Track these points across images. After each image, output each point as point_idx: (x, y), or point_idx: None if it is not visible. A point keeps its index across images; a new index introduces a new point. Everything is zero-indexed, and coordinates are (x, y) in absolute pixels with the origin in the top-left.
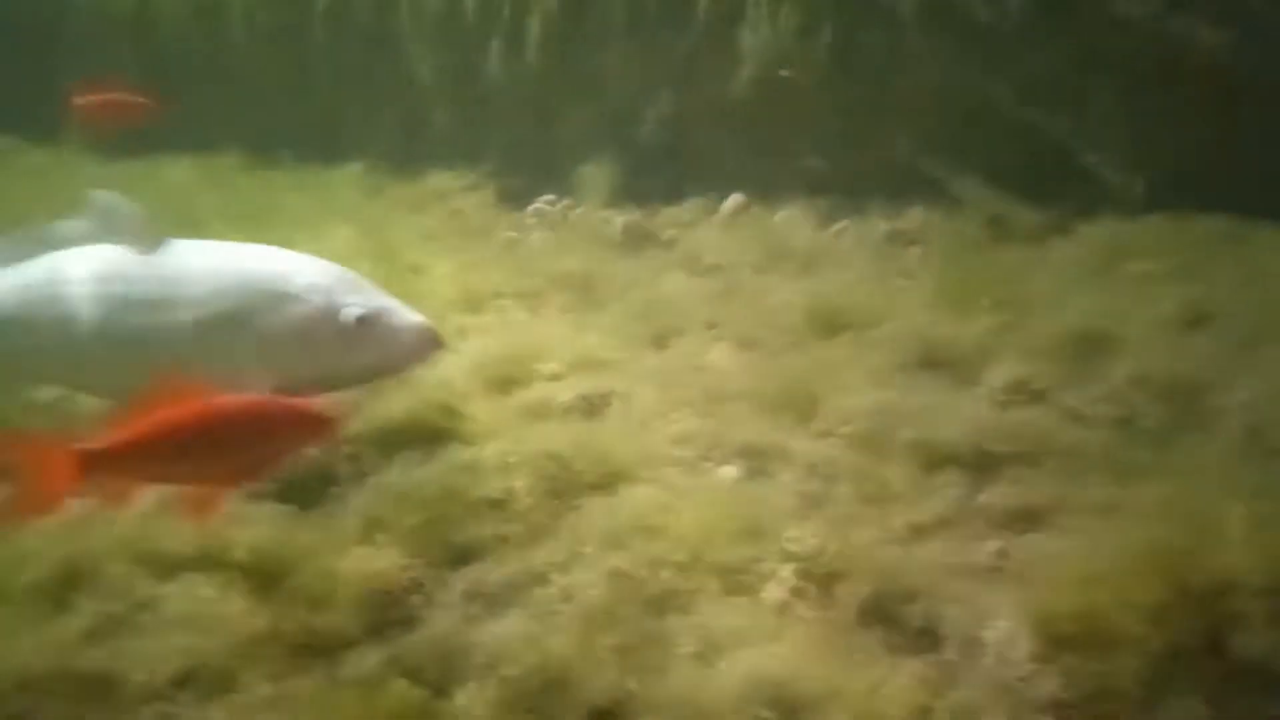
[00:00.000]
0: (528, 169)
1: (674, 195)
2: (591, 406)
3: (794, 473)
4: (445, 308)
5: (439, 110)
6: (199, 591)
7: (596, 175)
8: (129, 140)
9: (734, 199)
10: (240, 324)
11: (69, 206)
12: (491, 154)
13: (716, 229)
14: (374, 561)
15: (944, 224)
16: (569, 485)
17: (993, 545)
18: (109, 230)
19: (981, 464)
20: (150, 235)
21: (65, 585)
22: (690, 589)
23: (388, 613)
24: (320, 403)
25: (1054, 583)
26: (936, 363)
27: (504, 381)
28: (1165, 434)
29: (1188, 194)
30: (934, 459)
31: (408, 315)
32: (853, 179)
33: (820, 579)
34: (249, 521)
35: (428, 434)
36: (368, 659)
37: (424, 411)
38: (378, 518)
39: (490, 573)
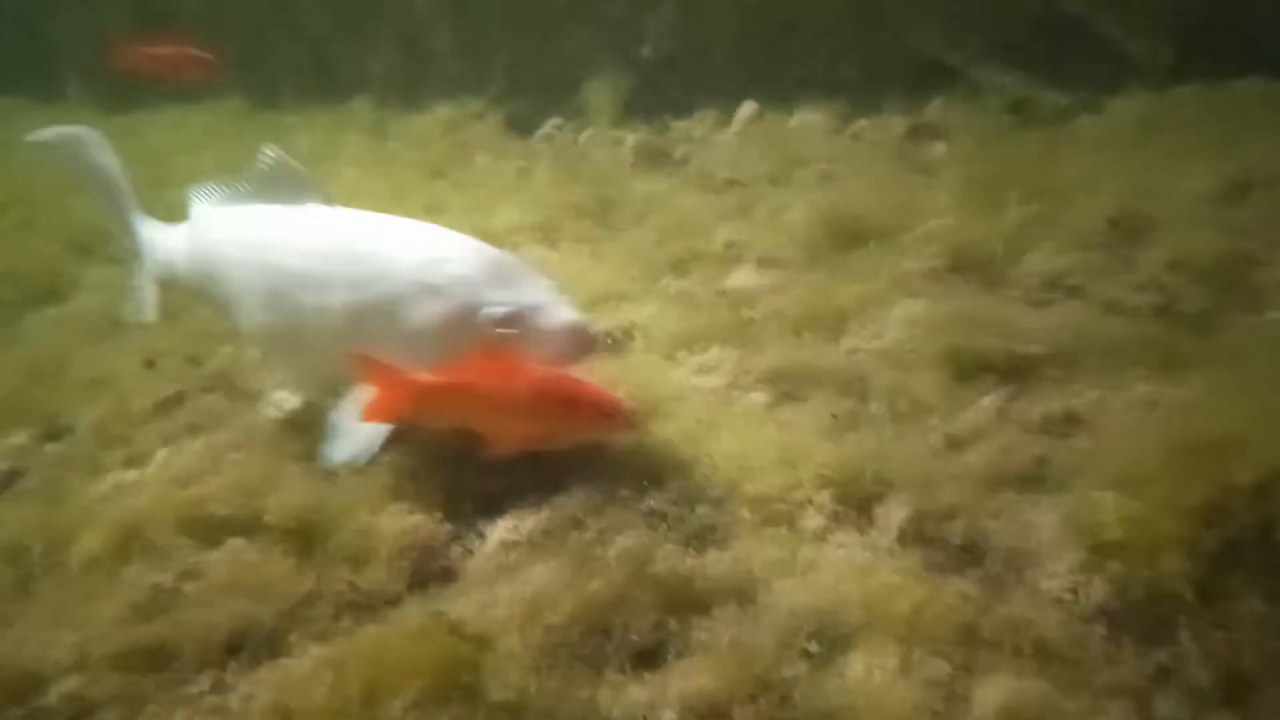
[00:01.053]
0: (533, 93)
1: (685, 108)
2: (614, 341)
3: (825, 394)
4: None
5: (438, 37)
6: (243, 556)
7: (603, 94)
8: (134, 91)
9: (746, 107)
10: (385, 313)
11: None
12: (495, 79)
13: (730, 141)
14: (410, 517)
15: (965, 114)
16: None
17: (1033, 452)
18: (278, 190)
19: (1018, 368)
20: (317, 198)
21: (116, 556)
22: (727, 523)
23: (428, 566)
24: (627, 400)
25: (1097, 488)
26: (966, 265)
27: None
28: (1208, 319)
29: (1219, 57)
30: (968, 368)
31: (557, 314)
32: (867, 75)
33: (858, 502)
34: (284, 482)
35: None
36: (412, 614)
37: None
38: (410, 470)
39: (525, 520)
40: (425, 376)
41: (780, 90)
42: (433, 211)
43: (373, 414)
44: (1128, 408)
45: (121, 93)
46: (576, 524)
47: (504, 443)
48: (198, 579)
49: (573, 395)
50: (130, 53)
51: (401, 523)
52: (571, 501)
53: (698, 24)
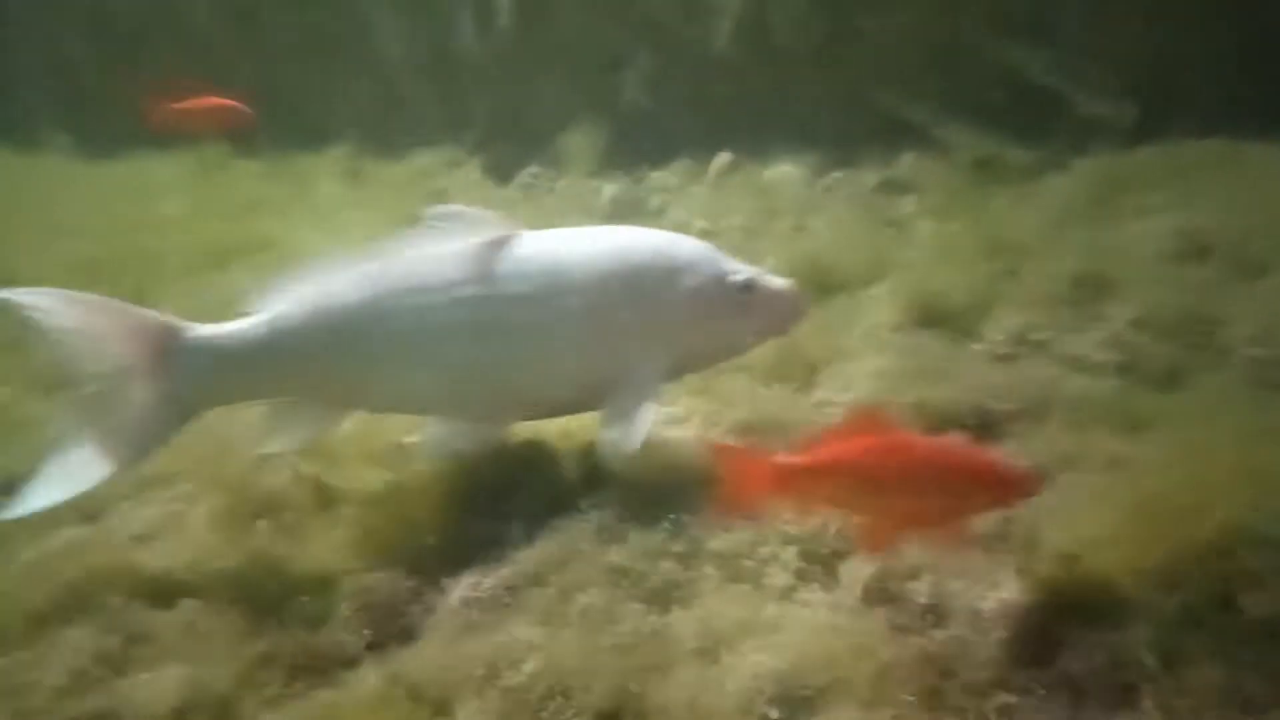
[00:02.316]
0: (512, 141)
1: (661, 157)
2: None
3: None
4: None
5: (417, 85)
6: (196, 618)
7: (581, 143)
8: (110, 139)
9: (722, 157)
10: (633, 303)
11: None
12: (474, 127)
13: (706, 191)
14: (371, 573)
15: (936, 170)
16: (562, 479)
17: (999, 511)
18: (460, 235)
19: (985, 423)
20: (508, 229)
21: (61, 617)
22: (692, 579)
23: (388, 625)
24: (1021, 461)
25: (1060, 548)
26: (934, 319)
27: None
28: (1171, 376)
29: (1181, 119)
30: (936, 422)
31: (776, 281)
32: (841, 129)
33: (823, 560)
34: (247, 539)
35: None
36: (369, 677)
37: (405, 419)
38: (374, 524)
39: (488, 576)
40: (791, 457)
41: (756, 142)
42: None
43: (732, 504)
44: (1091, 466)
45: (97, 135)
46: (538, 580)
47: (886, 526)
48: (147, 643)
49: (971, 464)
50: (163, 108)
51: (362, 580)
52: (534, 556)
53: (675, 75)
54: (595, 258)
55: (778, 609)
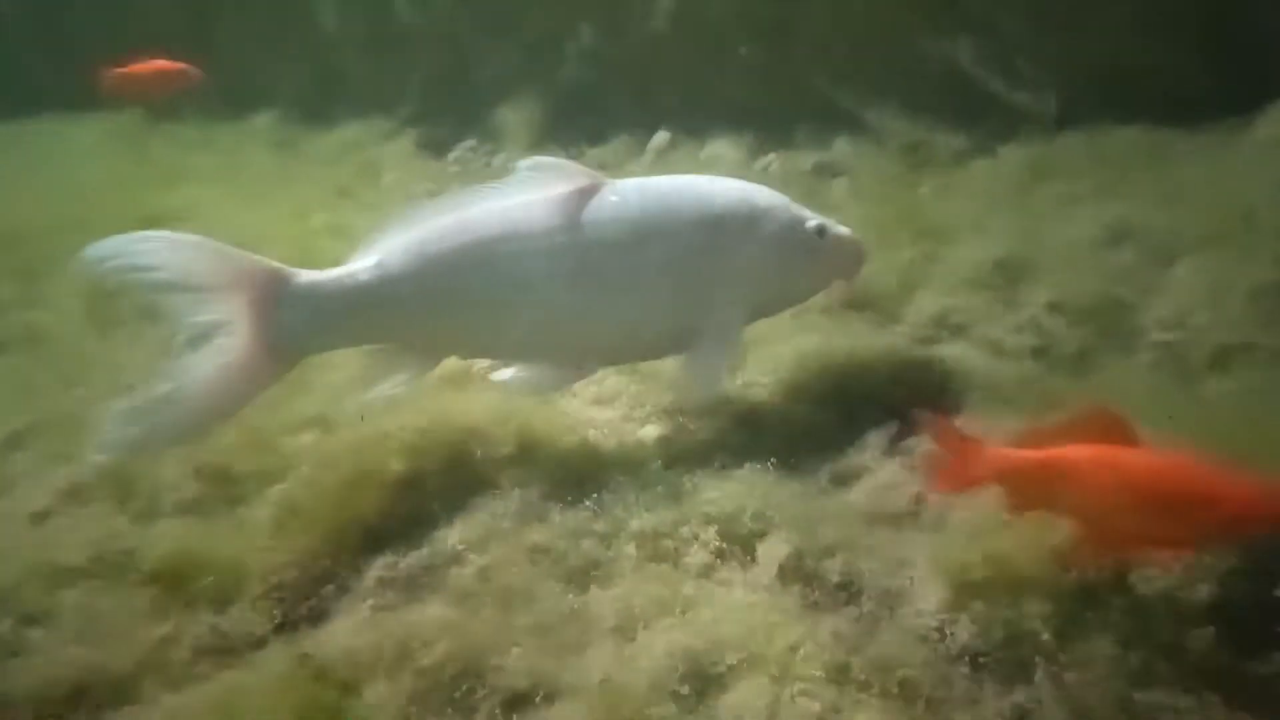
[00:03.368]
0: (447, 114)
1: (599, 135)
2: None
3: (718, 428)
4: None
5: (350, 55)
6: (97, 599)
7: (518, 118)
8: (25, 101)
9: (660, 136)
10: (717, 249)
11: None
12: (408, 100)
13: (643, 169)
14: (284, 553)
15: (868, 154)
16: (485, 458)
17: (912, 490)
18: (549, 184)
19: (903, 405)
20: (595, 179)
21: None
22: (612, 559)
23: (299, 606)
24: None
25: (966, 528)
26: (861, 302)
27: None
28: (1084, 360)
29: (1103, 108)
30: (858, 404)
31: (841, 229)
32: (778, 110)
33: (742, 539)
34: (153, 518)
35: (338, 414)
36: (276, 658)
37: (328, 392)
38: (289, 506)
39: (405, 557)
40: (1016, 451)
41: (694, 120)
42: (334, 232)
43: (945, 482)
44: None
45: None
46: (457, 560)
47: (1109, 542)
48: (43, 624)
49: (1220, 488)
50: (112, 75)
51: (274, 560)
52: (454, 536)
53: (615, 53)
54: (679, 206)
55: (695, 587)
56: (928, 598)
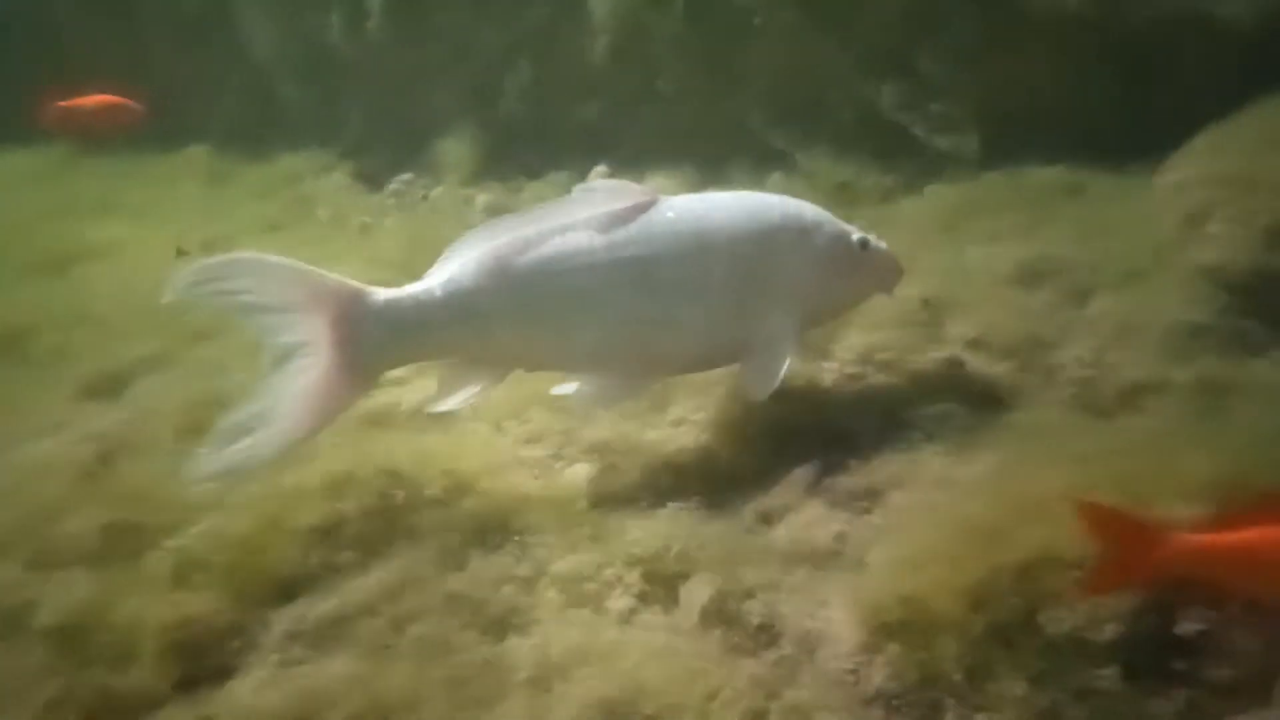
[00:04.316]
0: (385, 147)
1: (538, 169)
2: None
3: (647, 466)
4: None
5: (287, 86)
6: None
7: (457, 151)
8: None
9: (599, 170)
10: (770, 262)
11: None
12: (346, 132)
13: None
14: (187, 607)
15: (800, 191)
16: (406, 502)
17: (834, 529)
18: (608, 200)
19: (830, 442)
20: (651, 195)
21: None
22: (531, 605)
23: (201, 663)
24: None
25: (883, 567)
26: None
27: None
28: (1002, 398)
29: (1026, 149)
30: (785, 441)
31: (881, 243)
32: (715, 145)
33: (665, 580)
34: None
35: None
36: None
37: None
38: (193, 558)
39: (315, 608)
40: (1219, 537)
41: (632, 155)
42: None
43: (1105, 580)
44: (920, 486)
45: None
46: (370, 610)
47: None
48: None
49: None
50: (54, 109)
51: (176, 614)
52: (367, 585)
53: (554, 87)
54: (734, 220)
55: (617, 633)
56: (845, 639)
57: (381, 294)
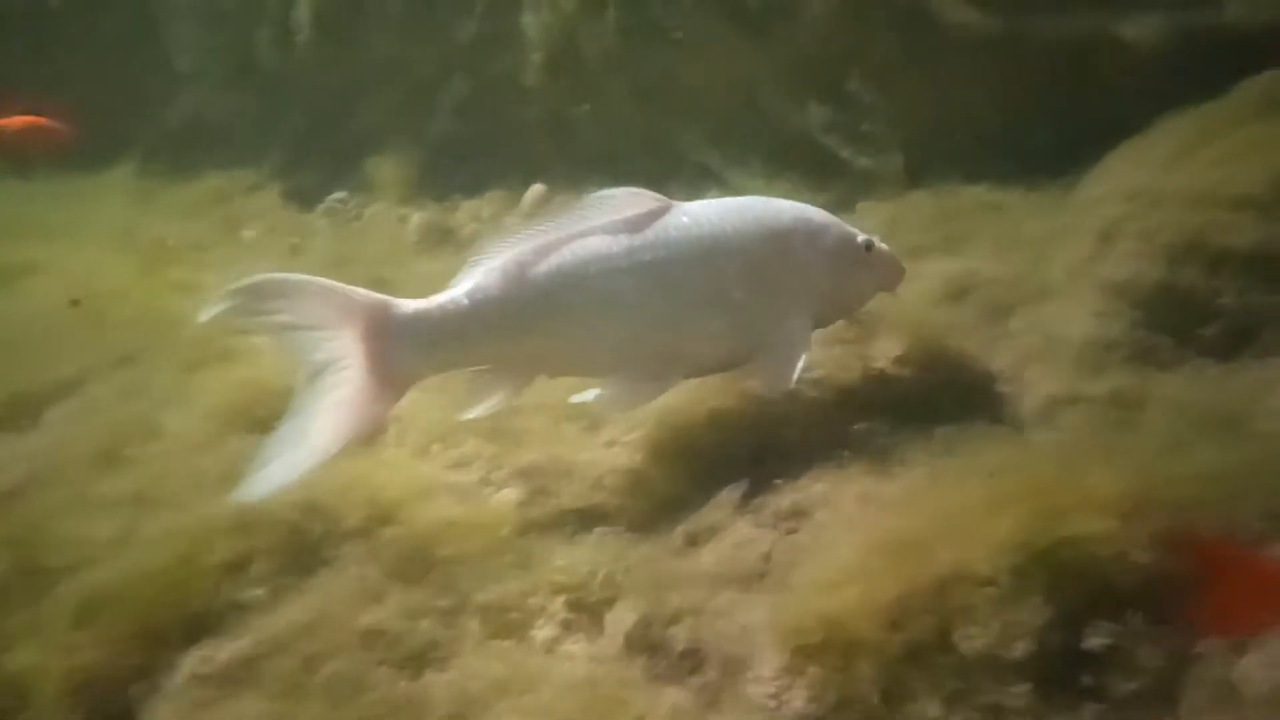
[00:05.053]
0: (316, 165)
1: (475, 187)
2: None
3: (577, 489)
4: (213, 330)
5: (216, 104)
6: None
7: (390, 169)
8: None
9: (535, 189)
10: (783, 263)
11: None
12: (276, 150)
13: (518, 222)
14: (88, 651)
15: None
16: (323, 534)
17: (760, 550)
18: (622, 208)
19: (759, 461)
20: (661, 201)
21: None
22: (452, 638)
23: (102, 709)
24: None
25: (806, 588)
26: None
27: (262, 419)
28: (927, 413)
29: (951, 166)
30: (716, 460)
31: (884, 244)
32: (651, 164)
33: (590, 608)
34: None
35: (161, 491)
36: None
37: (154, 465)
38: (97, 596)
39: (223, 648)
40: None
41: (569, 173)
42: (186, 289)
43: (1227, 622)
44: (845, 503)
45: None
46: (281, 649)
47: None
48: None
49: None
50: None
51: (77, 658)
52: (279, 622)
53: (489, 105)
54: (747, 224)
55: (539, 664)
56: (767, 663)
57: (410, 305)
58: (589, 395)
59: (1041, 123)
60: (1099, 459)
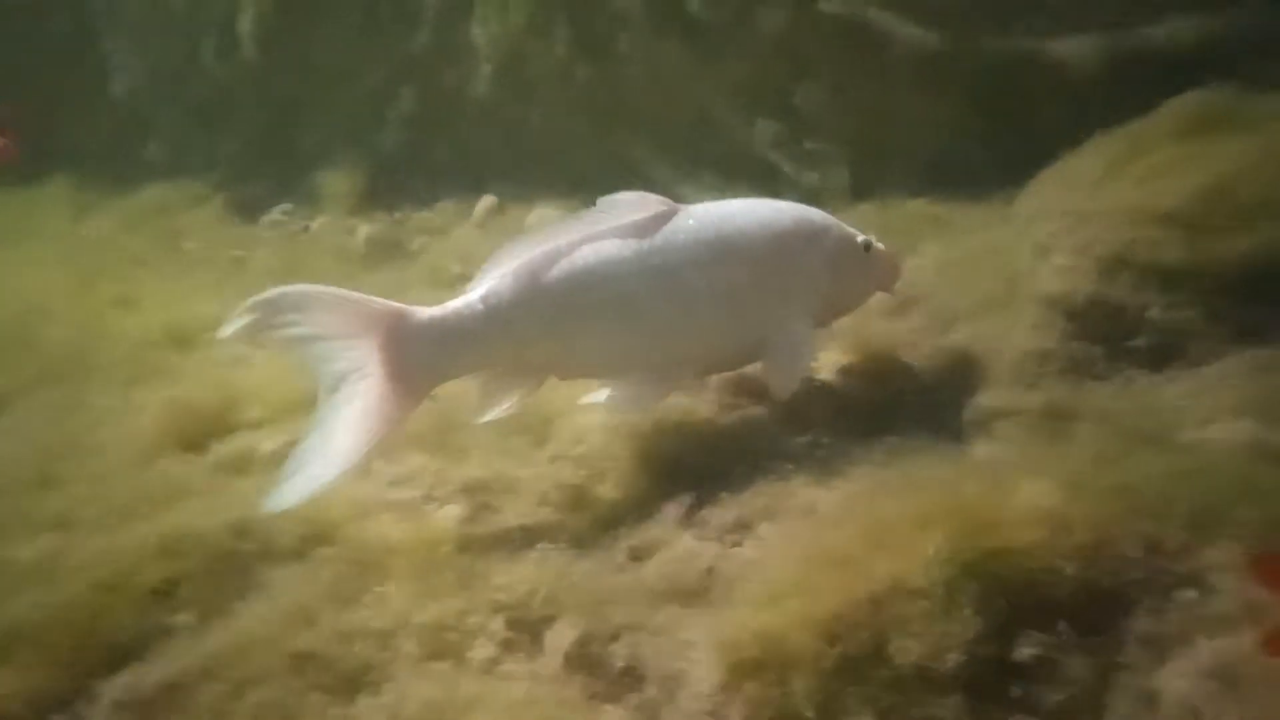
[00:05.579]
0: (262, 178)
1: (426, 200)
2: None
3: (521, 505)
4: (146, 349)
5: (159, 114)
6: None
7: (338, 181)
8: None
9: (486, 200)
10: (787, 264)
11: None
12: (220, 162)
13: (469, 233)
14: (4, 679)
15: None
16: (257, 555)
17: (703, 564)
18: (629, 211)
19: (704, 474)
20: (667, 204)
21: None
22: (387, 660)
23: None
24: None
25: (743, 603)
26: None
27: (199, 435)
28: (870, 426)
29: (896, 181)
30: (660, 474)
31: (881, 244)
32: (603, 177)
33: (530, 626)
34: None
35: (89, 513)
36: None
37: (83, 486)
38: (15, 624)
39: (147, 675)
40: None
41: (521, 185)
42: (124, 304)
43: None
44: (789, 516)
45: None
46: (207, 675)
47: None
48: None
49: None
50: None
51: None
52: (206, 647)
53: (439, 116)
54: (750, 226)
55: (476, 686)
56: (705, 680)
57: (425, 312)
58: (600, 396)
59: (984, 138)
60: (1030, 471)
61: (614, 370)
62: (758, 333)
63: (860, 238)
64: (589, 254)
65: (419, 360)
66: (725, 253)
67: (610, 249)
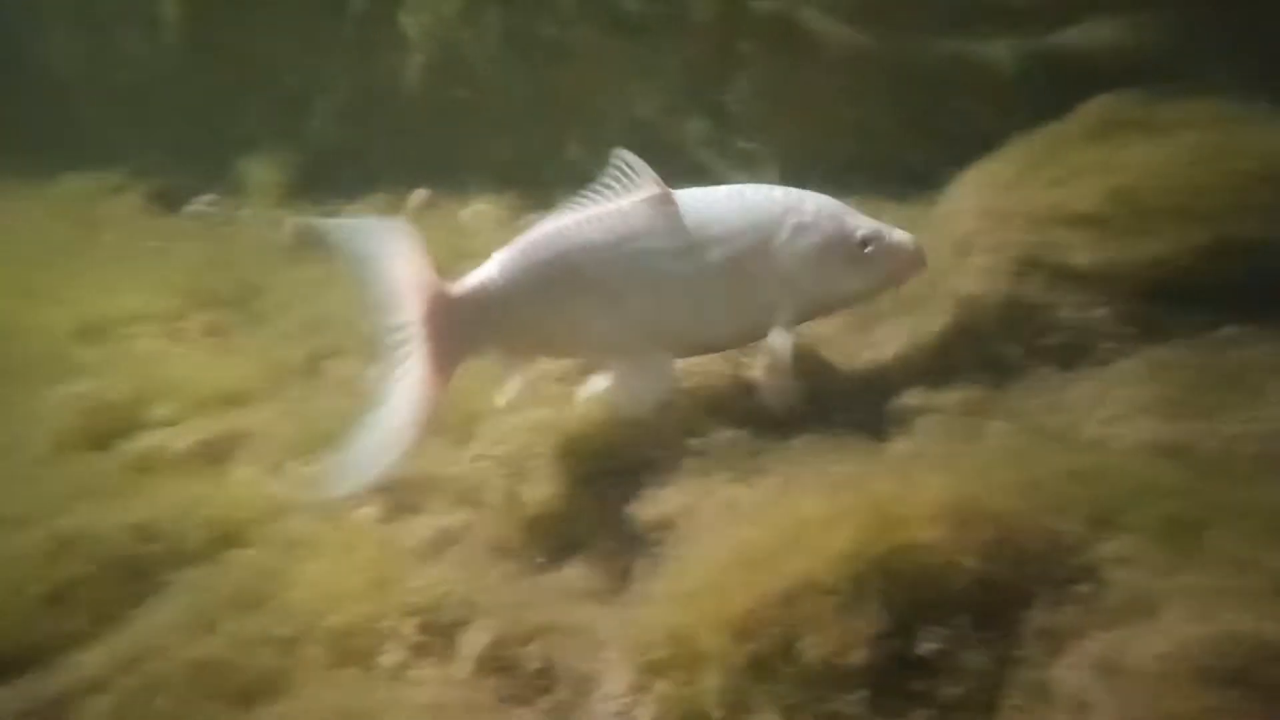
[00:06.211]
0: (186, 167)
1: (357, 192)
2: (214, 453)
3: (440, 505)
4: (59, 341)
5: (76, 100)
6: None
7: (264, 172)
8: None
9: (419, 194)
10: (768, 254)
11: None
12: (142, 151)
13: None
14: None
15: None
16: (159, 558)
17: (623, 563)
18: (628, 187)
19: (627, 471)
20: (664, 187)
21: None
22: (291, 666)
23: None
24: None
25: (656, 602)
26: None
27: (105, 433)
28: (791, 422)
29: (827, 181)
30: (584, 473)
31: (897, 234)
32: (537, 172)
33: (443, 630)
34: None
35: None
36: None
37: None
38: None
39: (35, 687)
40: None
41: (454, 178)
42: (32, 296)
43: None
44: (708, 513)
45: None
46: (98, 686)
47: None
48: None
49: None
50: None
51: None
52: (100, 656)
53: (370, 108)
54: (733, 213)
55: (385, 692)
56: (616, 680)
57: (456, 288)
58: (598, 387)
59: (911, 139)
60: (939, 468)
61: (601, 351)
62: (740, 319)
63: (861, 232)
64: (576, 237)
65: (452, 337)
66: (706, 239)
67: (595, 233)
